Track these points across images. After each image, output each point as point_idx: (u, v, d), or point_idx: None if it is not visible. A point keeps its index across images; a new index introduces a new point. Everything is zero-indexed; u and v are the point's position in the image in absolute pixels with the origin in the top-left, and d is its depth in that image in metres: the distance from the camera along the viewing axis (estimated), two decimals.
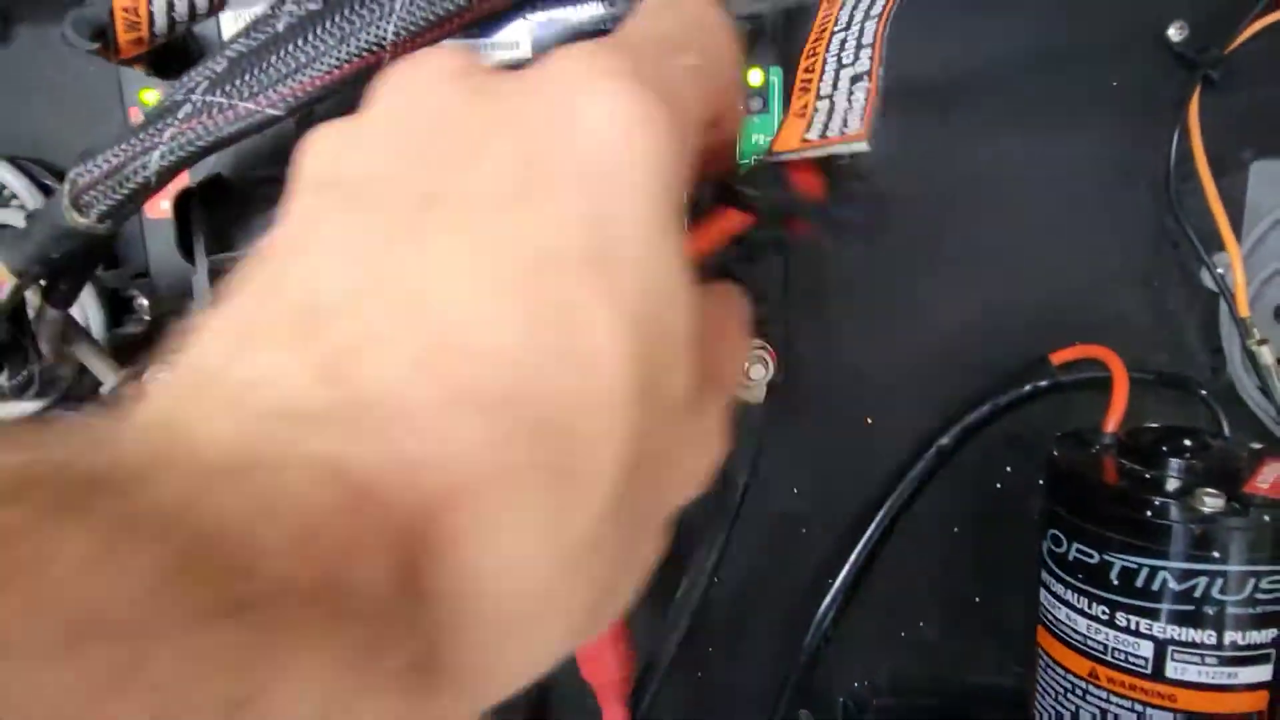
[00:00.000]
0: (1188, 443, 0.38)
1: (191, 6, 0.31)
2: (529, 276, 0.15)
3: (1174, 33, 0.44)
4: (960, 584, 0.50)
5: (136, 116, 0.42)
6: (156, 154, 0.30)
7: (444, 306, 0.15)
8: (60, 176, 0.45)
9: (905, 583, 0.50)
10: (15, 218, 0.44)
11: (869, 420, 0.49)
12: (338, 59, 0.29)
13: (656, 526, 0.19)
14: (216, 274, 0.37)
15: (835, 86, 0.25)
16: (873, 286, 0.47)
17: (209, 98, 0.30)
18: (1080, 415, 0.46)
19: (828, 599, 0.49)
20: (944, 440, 0.47)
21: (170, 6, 0.30)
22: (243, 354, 0.15)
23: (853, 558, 0.48)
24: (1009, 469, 0.49)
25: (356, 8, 0.29)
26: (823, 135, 0.25)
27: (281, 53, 0.29)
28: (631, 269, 0.16)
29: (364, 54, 0.29)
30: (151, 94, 0.42)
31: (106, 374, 0.43)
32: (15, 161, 0.44)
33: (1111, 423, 0.42)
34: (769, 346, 0.42)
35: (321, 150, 0.18)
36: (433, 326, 0.15)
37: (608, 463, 0.15)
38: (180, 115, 0.30)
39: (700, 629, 0.46)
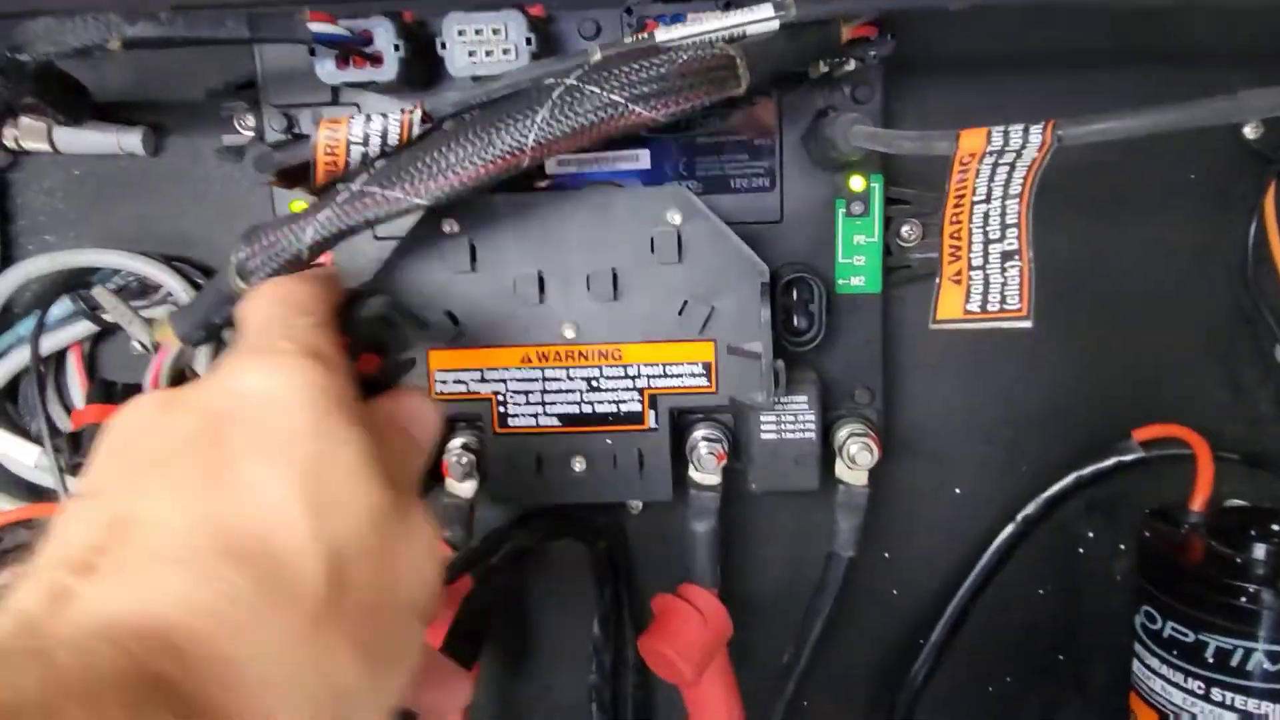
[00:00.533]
0: (1275, 526, 0.41)
1: (382, 147, 0.34)
2: (215, 477, 0.23)
3: (1249, 131, 0.46)
4: (1045, 643, 0.53)
5: None
6: (310, 230, 0.34)
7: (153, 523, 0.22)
8: (209, 274, 0.49)
9: (993, 642, 0.53)
10: None
11: (958, 490, 0.51)
12: (482, 160, 0.33)
13: (399, 621, 0.25)
14: None
15: (986, 260, 0.28)
16: (961, 365, 0.50)
17: (365, 188, 0.33)
18: (1159, 483, 0.49)
19: (920, 658, 0.52)
20: (1029, 510, 0.50)
21: (365, 146, 0.34)
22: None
23: (944, 619, 0.51)
24: (1091, 534, 0.52)
25: (503, 118, 0.32)
26: (984, 309, 0.28)
27: (435, 153, 0.33)
28: (294, 444, 0.24)
29: (506, 157, 0.32)
30: (300, 205, 0.46)
31: None
32: (170, 262, 0.48)
33: (1198, 502, 0.44)
34: (873, 432, 0.45)
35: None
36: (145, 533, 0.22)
37: (308, 574, 0.22)
38: (337, 201, 0.34)
39: (802, 691, 0.50)
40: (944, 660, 0.52)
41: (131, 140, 0.47)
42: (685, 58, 0.31)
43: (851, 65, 0.39)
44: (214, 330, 0.40)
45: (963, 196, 0.30)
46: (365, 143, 0.34)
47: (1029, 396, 0.50)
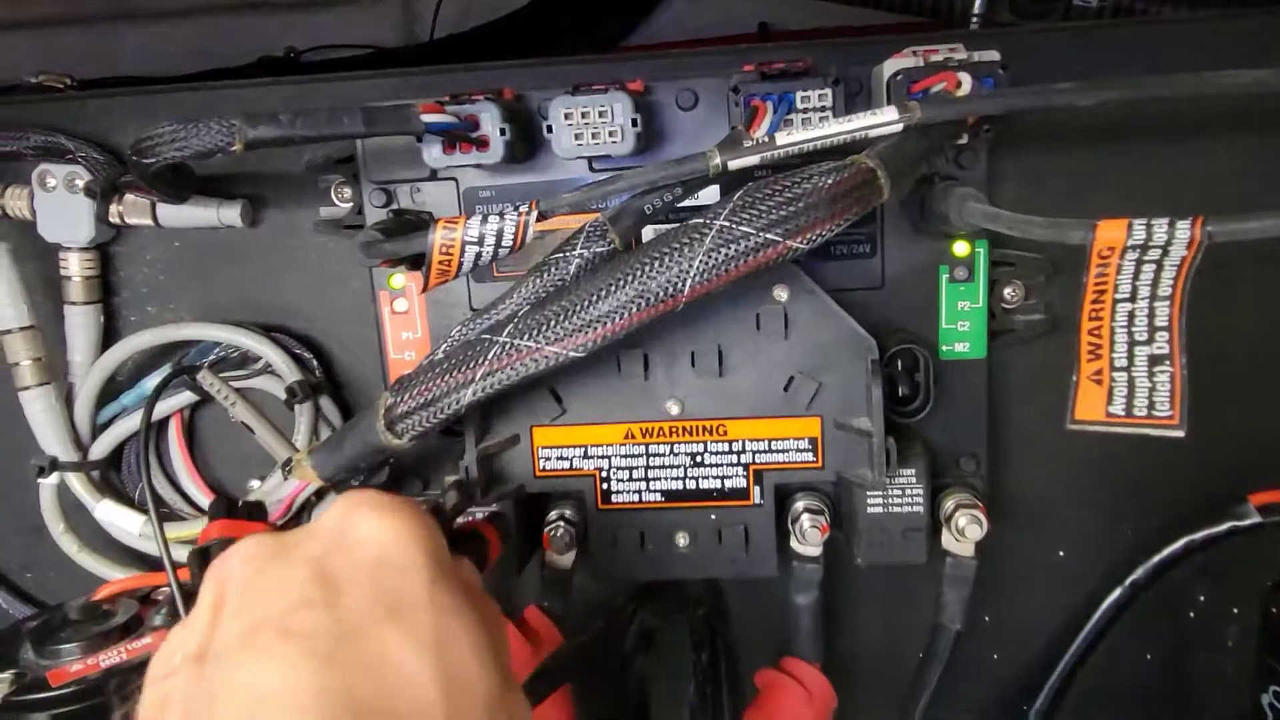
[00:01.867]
0: None
1: (496, 249, 0.34)
2: (342, 644, 0.23)
3: None
4: (1155, 711, 0.51)
5: (385, 300, 0.47)
6: (470, 390, 0.34)
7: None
8: (306, 343, 0.49)
9: (1099, 710, 0.51)
10: (272, 384, 0.49)
11: (1061, 553, 0.50)
12: (637, 309, 0.32)
13: None
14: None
15: (1131, 362, 0.27)
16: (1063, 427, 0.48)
17: (517, 341, 0.33)
18: (1275, 548, 0.47)
19: None
20: (1138, 575, 0.49)
21: (480, 246, 0.34)
22: None
23: (1048, 686, 0.50)
24: (1202, 598, 0.50)
25: (654, 264, 0.32)
26: (1128, 413, 0.27)
27: (586, 302, 0.33)
28: (417, 615, 0.24)
29: (662, 303, 0.32)
30: (399, 277, 0.46)
31: None
32: (268, 332, 0.49)
33: None
34: (979, 501, 0.44)
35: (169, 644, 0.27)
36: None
37: None
38: (491, 355, 0.34)
39: None
40: None
41: (231, 213, 0.48)
42: (831, 180, 0.31)
43: (964, 139, 0.39)
44: (357, 474, 0.41)
45: (1103, 292, 0.29)
46: (480, 243, 0.34)
47: (1132, 457, 0.49)
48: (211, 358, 0.49)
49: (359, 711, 0.22)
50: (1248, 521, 0.47)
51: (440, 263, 0.34)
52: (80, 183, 0.48)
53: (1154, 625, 0.50)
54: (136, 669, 0.42)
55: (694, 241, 0.31)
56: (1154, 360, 0.26)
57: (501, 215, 0.34)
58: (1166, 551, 0.48)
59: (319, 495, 0.46)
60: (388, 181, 0.44)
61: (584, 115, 0.38)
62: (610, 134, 0.37)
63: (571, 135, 0.38)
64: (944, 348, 0.44)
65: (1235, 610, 0.50)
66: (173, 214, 0.48)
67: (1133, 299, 0.28)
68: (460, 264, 0.34)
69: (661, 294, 0.32)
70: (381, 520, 0.26)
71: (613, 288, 0.32)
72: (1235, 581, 0.49)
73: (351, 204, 0.47)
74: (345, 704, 0.22)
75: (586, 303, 0.33)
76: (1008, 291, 0.45)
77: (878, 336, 0.42)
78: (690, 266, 0.31)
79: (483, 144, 0.38)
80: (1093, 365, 0.28)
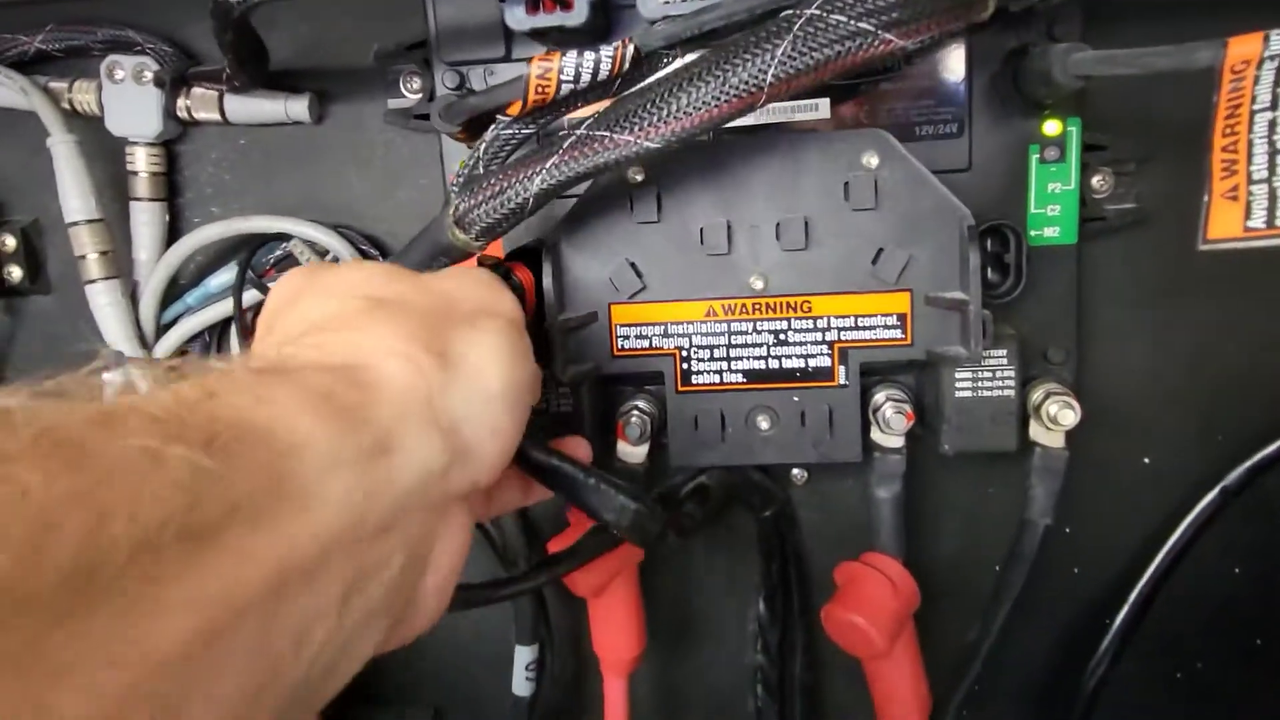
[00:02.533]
0: None
1: (592, 83, 0.33)
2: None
3: None
4: (1242, 626, 0.49)
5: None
6: (538, 179, 0.33)
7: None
8: (373, 242, 0.49)
9: (1184, 625, 0.49)
10: None
11: (1147, 459, 0.48)
12: (717, 100, 0.31)
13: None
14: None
15: (1273, 172, 0.26)
16: (1154, 325, 0.47)
17: (592, 131, 0.32)
18: None
19: (1105, 641, 0.48)
20: (1229, 480, 0.47)
21: (575, 83, 0.33)
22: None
23: (1131, 599, 0.48)
24: None
25: (738, 55, 0.31)
26: (1270, 224, 0.25)
27: (664, 94, 0.32)
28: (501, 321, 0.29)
29: (743, 96, 0.31)
30: None
31: None
32: (338, 229, 0.48)
33: None
34: (1071, 391, 0.42)
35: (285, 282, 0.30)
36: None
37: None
38: (564, 146, 0.32)
39: (983, 670, 0.47)
40: (1130, 643, 0.49)
41: (298, 107, 0.47)
42: None
43: None
44: None
45: (1238, 106, 0.27)
46: (576, 79, 0.33)
47: (1226, 359, 0.47)
48: (278, 253, 0.49)
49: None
50: None
51: (536, 98, 0.33)
52: (149, 74, 0.47)
53: (1244, 536, 0.48)
54: None
55: (781, 31, 0.30)
56: None
57: (597, 50, 0.32)
58: (1260, 455, 0.46)
59: None
60: (461, 62, 0.44)
61: None
62: None
63: None
64: (1033, 232, 0.43)
65: None
66: (240, 107, 0.48)
67: (1274, 106, 0.26)
68: (555, 99, 0.33)
69: (743, 87, 0.30)
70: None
71: (694, 79, 0.31)
72: None
73: (421, 94, 0.46)
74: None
75: (666, 94, 0.31)
76: (1096, 180, 0.44)
77: None
78: (773, 58, 0.30)
79: (566, 4, 0.37)
80: (1227, 183, 0.27)
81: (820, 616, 0.44)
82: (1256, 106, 0.27)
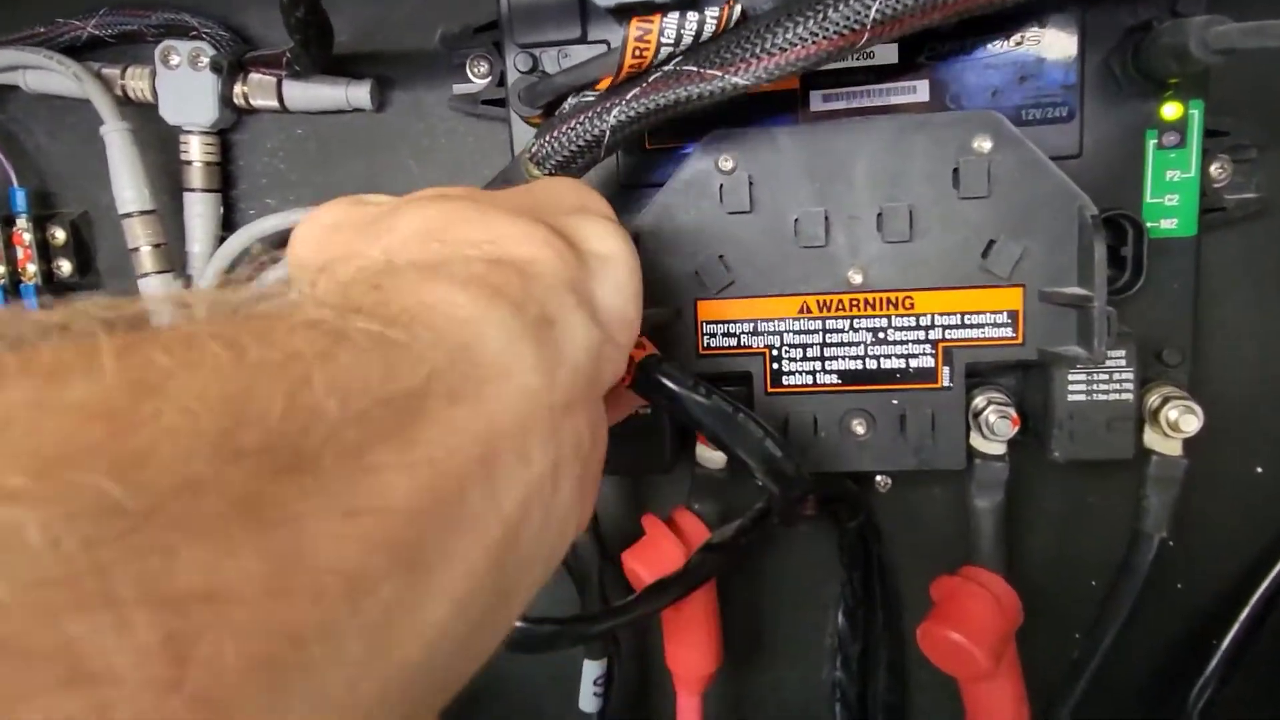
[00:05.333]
0: None
1: (696, 40, 0.31)
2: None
3: None
4: None
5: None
6: (616, 110, 0.30)
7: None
8: None
9: None
10: None
11: (1260, 468, 0.45)
12: (814, 37, 0.28)
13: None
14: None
15: None
16: (1270, 320, 0.44)
17: (679, 67, 0.30)
18: None
19: (1212, 663, 0.45)
20: None
21: (676, 47, 0.30)
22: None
23: (1241, 618, 0.45)
24: None
25: None
26: None
27: (759, 31, 0.29)
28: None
29: (843, 34, 0.28)
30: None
31: None
32: None
33: None
34: (1190, 395, 0.39)
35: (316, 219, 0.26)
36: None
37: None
38: (649, 80, 0.30)
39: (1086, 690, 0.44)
40: (1239, 664, 0.46)
41: (359, 94, 0.45)
42: None
43: None
44: None
45: None
46: (676, 42, 0.30)
47: None
48: None
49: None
50: None
51: (633, 64, 0.30)
52: (205, 59, 0.45)
53: None
54: None
55: None
56: None
57: (702, 10, 0.30)
58: None
59: None
60: (534, 44, 0.41)
61: None
62: None
63: None
64: (1149, 224, 0.39)
65: None
66: (299, 94, 0.46)
67: None
68: (653, 62, 0.31)
69: (844, 25, 0.28)
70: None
71: (790, 14, 0.29)
72: None
73: (489, 78, 0.44)
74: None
75: (759, 30, 0.29)
76: (1214, 168, 0.41)
77: None
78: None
79: None
80: None
81: (916, 634, 0.41)
82: None
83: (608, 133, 0.30)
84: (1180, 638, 0.47)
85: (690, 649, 0.43)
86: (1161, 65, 0.36)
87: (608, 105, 0.30)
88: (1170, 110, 0.39)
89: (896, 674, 0.47)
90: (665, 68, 0.30)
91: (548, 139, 0.31)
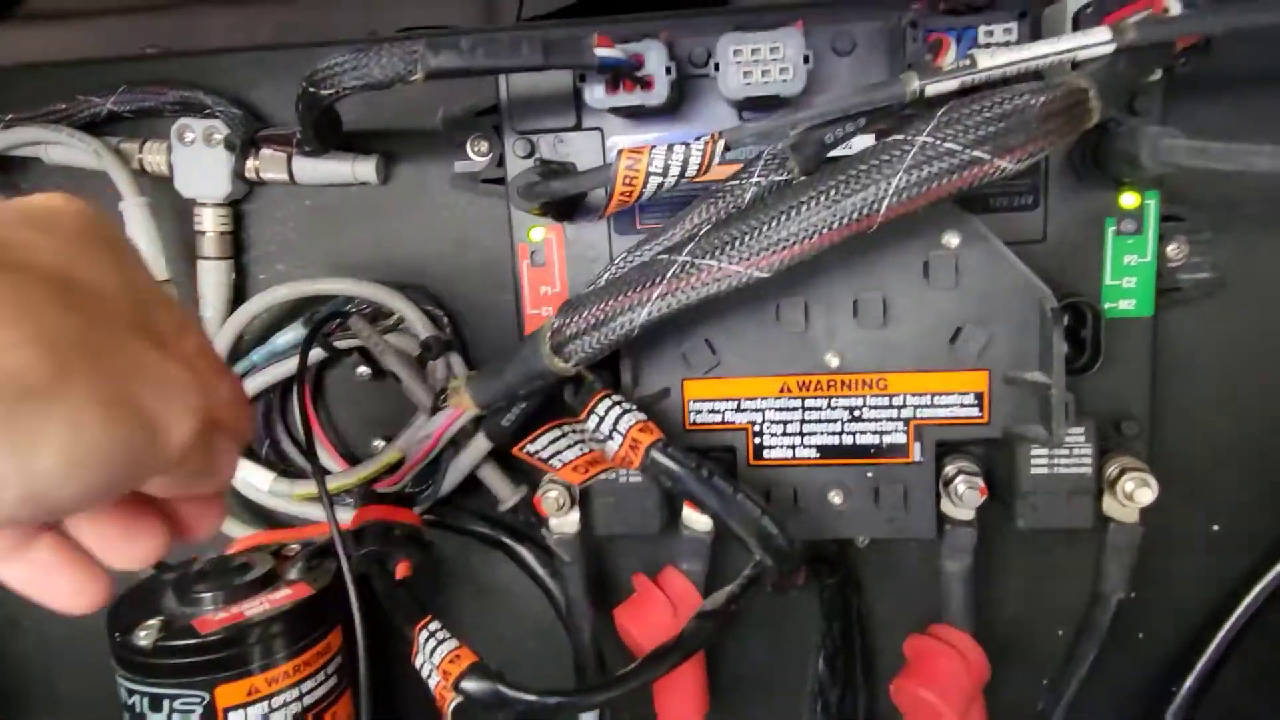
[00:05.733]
0: None
1: (679, 179, 0.33)
2: None
3: None
4: None
5: (525, 253, 0.46)
6: (645, 311, 0.33)
7: None
8: (439, 303, 0.49)
9: (1252, 695, 0.49)
10: (401, 342, 0.48)
11: (1215, 527, 0.48)
12: (829, 227, 0.31)
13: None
14: None
15: None
16: (1228, 393, 0.46)
17: (698, 260, 0.32)
18: None
19: (1172, 709, 0.48)
20: None
21: (664, 177, 0.33)
22: None
23: (1198, 667, 0.48)
24: None
25: (849, 181, 0.31)
26: None
27: (772, 222, 0.32)
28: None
29: (855, 222, 0.31)
30: (538, 231, 0.45)
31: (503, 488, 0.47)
32: (404, 290, 0.48)
33: None
34: (1147, 466, 0.42)
35: None
36: None
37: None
38: (669, 274, 0.32)
39: None
40: (1196, 712, 0.48)
41: (366, 169, 0.48)
42: (1042, 99, 0.29)
43: (1157, 75, 0.37)
44: (516, 402, 0.40)
45: None
46: (664, 174, 0.33)
47: None
48: (342, 314, 0.49)
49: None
50: None
51: (623, 192, 0.33)
52: (218, 136, 0.48)
53: None
54: (276, 619, 0.42)
55: (894, 158, 0.30)
56: None
57: (687, 145, 0.32)
58: None
59: (475, 424, 0.45)
60: (532, 131, 0.44)
61: (754, 52, 0.36)
62: (781, 71, 0.36)
63: (740, 73, 0.37)
64: (1108, 305, 0.42)
65: None
66: (308, 169, 0.48)
67: None
68: (641, 193, 0.33)
69: (856, 213, 0.31)
70: None
71: (804, 205, 0.31)
72: None
73: (489, 157, 0.46)
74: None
75: (775, 221, 0.31)
76: (1171, 249, 0.43)
77: None
78: (889, 185, 0.30)
79: (647, 84, 0.37)
80: None
81: (890, 690, 0.43)
82: None
83: (637, 330, 0.33)
84: (1142, 687, 0.49)
85: (679, 699, 0.46)
86: (1116, 167, 0.38)
87: (637, 304, 0.33)
88: (1128, 200, 0.41)
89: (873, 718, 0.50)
90: (682, 258, 0.32)
91: (574, 335, 0.34)
